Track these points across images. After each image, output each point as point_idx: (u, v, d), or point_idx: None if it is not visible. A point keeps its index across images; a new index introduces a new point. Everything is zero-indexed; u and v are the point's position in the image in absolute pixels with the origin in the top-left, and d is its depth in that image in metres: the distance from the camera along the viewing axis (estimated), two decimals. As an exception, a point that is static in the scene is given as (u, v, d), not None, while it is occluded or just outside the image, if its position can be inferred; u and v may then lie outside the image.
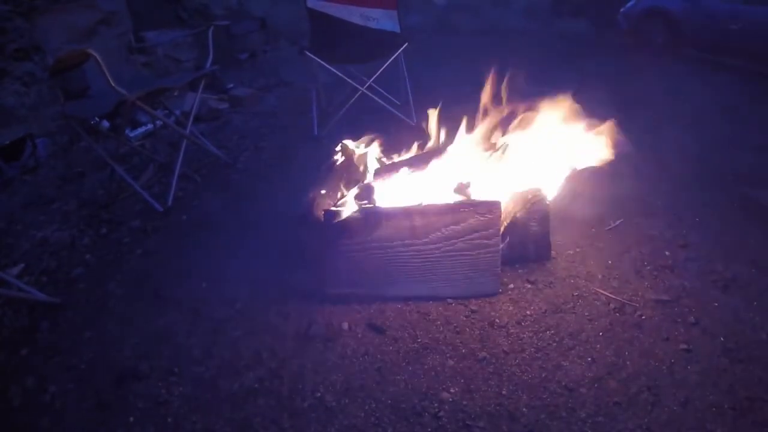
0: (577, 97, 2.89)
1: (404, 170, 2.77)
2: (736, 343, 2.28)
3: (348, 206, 2.55)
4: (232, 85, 5.94)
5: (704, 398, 2.04)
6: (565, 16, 8.59)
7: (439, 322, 2.47)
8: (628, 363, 2.22)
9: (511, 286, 2.68)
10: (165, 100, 4.32)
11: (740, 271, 2.70)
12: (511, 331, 2.41)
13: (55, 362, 2.44)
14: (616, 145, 2.80)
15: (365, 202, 2.58)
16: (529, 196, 2.70)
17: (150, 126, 4.90)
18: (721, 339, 2.31)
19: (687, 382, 2.12)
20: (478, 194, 2.64)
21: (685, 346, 2.28)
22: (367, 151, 2.89)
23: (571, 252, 2.91)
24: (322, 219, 2.56)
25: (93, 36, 4.09)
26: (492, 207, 2.49)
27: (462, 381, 2.17)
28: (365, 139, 2.97)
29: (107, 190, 3.95)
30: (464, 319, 2.49)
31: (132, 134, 4.74)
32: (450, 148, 2.87)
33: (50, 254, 3.27)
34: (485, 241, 2.52)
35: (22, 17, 5.39)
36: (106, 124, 4.70)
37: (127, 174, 3.66)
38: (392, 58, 4.32)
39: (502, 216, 2.57)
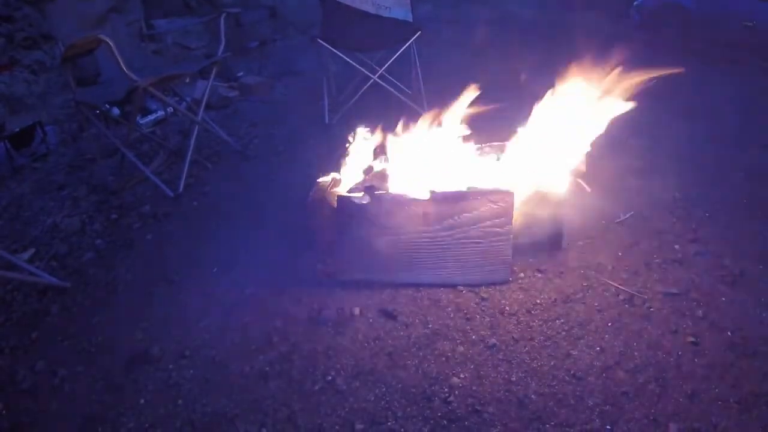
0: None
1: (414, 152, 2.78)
2: (742, 338, 2.29)
3: (361, 192, 2.56)
4: (242, 73, 5.94)
5: (710, 391, 2.05)
6: (577, 7, 8.54)
7: (449, 309, 2.49)
8: (636, 354, 2.23)
9: (522, 274, 2.69)
10: (176, 87, 4.33)
11: (748, 267, 2.70)
12: (521, 319, 2.43)
13: (65, 345, 2.47)
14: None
15: (378, 188, 2.58)
16: (542, 187, 2.70)
17: (161, 113, 4.91)
18: (728, 333, 2.32)
19: (694, 374, 2.13)
20: (491, 183, 2.65)
21: (692, 339, 2.29)
22: (380, 139, 2.89)
23: (582, 243, 2.91)
24: (335, 205, 2.57)
25: (104, 23, 4.09)
26: (505, 196, 2.50)
27: (472, 367, 2.19)
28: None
29: (117, 176, 3.97)
30: (475, 306, 2.50)
31: (142, 121, 4.75)
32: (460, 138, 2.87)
33: (60, 239, 3.29)
34: (497, 230, 2.52)
35: (32, 5, 5.41)
36: (116, 111, 4.71)
37: (138, 161, 3.67)
38: (404, 46, 4.32)
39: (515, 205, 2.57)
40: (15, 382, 2.29)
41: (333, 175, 2.78)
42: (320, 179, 2.75)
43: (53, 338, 2.51)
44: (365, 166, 2.77)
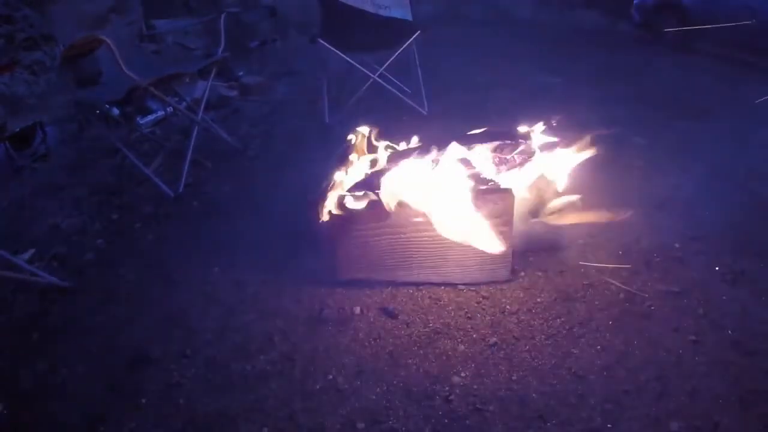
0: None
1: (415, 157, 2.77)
2: (743, 336, 2.29)
3: (361, 192, 2.55)
4: (242, 73, 5.95)
5: (711, 389, 2.05)
6: (578, 7, 8.55)
7: (450, 308, 2.50)
8: (637, 352, 2.23)
9: (523, 273, 2.69)
10: (176, 87, 4.33)
11: (749, 265, 2.71)
12: (522, 317, 2.43)
13: (66, 346, 2.46)
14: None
15: (378, 188, 2.58)
16: (542, 186, 2.71)
17: (161, 113, 4.91)
18: (729, 331, 2.32)
19: (694, 372, 2.13)
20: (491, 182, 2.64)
21: (693, 338, 2.29)
22: (379, 138, 2.89)
23: (582, 242, 2.91)
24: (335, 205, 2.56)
25: (104, 24, 4.10)
26: (504, 195, 2.50)
27: (473, 366, 2.19)
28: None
29: (118, 176, 3.97)
30: (476, 305, 2.51)
31: (142, 121, 4.75)
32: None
33: (61, 240, 3.29)
34: (498, 228, 2.52)
35: (32, 6, 5.41)
36: (116, 111, 4.71)
37: (138, 161, 3.67)
38: (404, 46, 4.32)
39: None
40: (16, 382, 2.28)
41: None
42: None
43: (54, 338, 2.50)
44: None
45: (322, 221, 2.59)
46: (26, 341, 2.51)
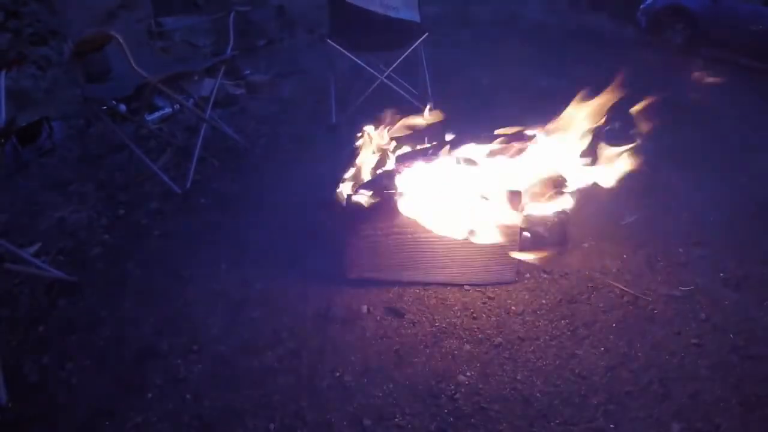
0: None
1: (425, 158, 2.78)
2: (745, 341, 2.31)
3: (370, 192, 2.57)
4: (248, 72, 5.95)
5: (713, 392, 2.07)
6: (584, 10, 8.56)
7: (456, 308, 2.51)
8: (640, 354, 2.25)
9: (528, 275, 2.71)
10: (184, 84, 4.34)
11: (752, 270, 2.72)
12: (527, 318, 2.45)
13: (73, 340, 2.47)
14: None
15: (387, 188, 2.59)
16: (550, 188, 2.72)
17: (168, 110, 4.92)
18: (731, 336, 2.34)
19: (696, 375, 2.15)
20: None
21: (695, 341, 2.31)
22: (388, 138, 2.90)
23: (587, 245, 2.93)
24: (344, 204, 2.58)
25: (113, 20, 4.12)
26: (512, 196, 2.51)
27: (478, 365, 2.21)
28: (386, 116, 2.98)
29: (125, 172, 3.98)
30: (481, 305, 2.53)
31: (149, 118, 4.76)
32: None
33: (68, 234, 3.30)
34: (504, 230, 2.54)
35: (39, 2, 5.43)
36: (122, 107, 4.73)
37: (145, 157, 3.68)
38: (412, 47, 4.33)
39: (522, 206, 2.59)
40: (22, 376, 2.29)
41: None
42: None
43: (60, 332, 2.51)
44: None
45: (331, 219, 2.60)
46: (32, 335, 2.52)
